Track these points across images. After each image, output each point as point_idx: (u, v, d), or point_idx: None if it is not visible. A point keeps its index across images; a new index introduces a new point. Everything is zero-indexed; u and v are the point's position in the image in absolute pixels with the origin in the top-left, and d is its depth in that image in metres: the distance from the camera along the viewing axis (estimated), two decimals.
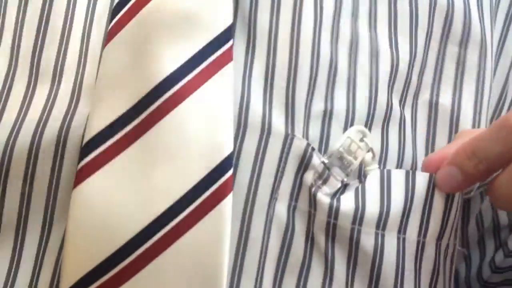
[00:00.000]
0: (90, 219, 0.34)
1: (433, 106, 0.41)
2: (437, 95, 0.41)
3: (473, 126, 0.41)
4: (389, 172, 0.37)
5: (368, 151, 0.37)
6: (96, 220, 0.34)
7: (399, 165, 0.39)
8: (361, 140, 0.37)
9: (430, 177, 0.37)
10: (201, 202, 0.34)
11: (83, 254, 0.33)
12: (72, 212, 0.34)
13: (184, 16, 0.37)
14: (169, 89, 0.35)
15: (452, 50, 0.42)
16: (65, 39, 0.39)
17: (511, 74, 0.44)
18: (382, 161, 0.39)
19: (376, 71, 0.39)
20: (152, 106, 0.35)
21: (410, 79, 0.40)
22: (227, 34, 0.37)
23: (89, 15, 0.40)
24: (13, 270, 0.36)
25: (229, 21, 0.37)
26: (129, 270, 0.33)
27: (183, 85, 0.35)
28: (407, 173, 0.37)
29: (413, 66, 0.40)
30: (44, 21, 0.40)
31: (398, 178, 0.37)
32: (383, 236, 0.36)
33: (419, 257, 0.37)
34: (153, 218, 0.34)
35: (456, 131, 0.41)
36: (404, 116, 0.40)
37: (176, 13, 0.37)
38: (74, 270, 0.34)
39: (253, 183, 0.36)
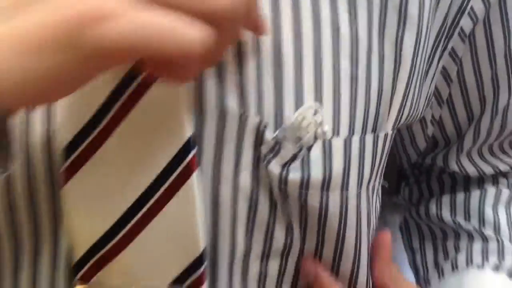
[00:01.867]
0: (85, 206, 0.40)
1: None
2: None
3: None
4: (330, 142, 0.43)
5: (320, 125, 0.43)
6: (91, 205, 0.40)
7: (351, 127, 0.45)
8: (314, 115, 0.43)
9: (361, 139, 0.43)
10: (172, 181, 0.40)
11: (87, 231, 0.40)
12: (67, 206, 0.41)
13: None
14: (127, 86, 0.41)
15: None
16: None
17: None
18: (336, 129, 0.45)
19: (319, 41, 0.45)
20: (116, 104, 0.41)
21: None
22: None
23: None
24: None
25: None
26: (123, 241, 0.40)
27: (140, 80, 0.41)
28: (345, 141, 0.43)
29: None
30: None
31: (338, 145, 0.43)
32: (327, 196, 0.43)
33: (359, 204, 0.44)
34: (132, 201, 0.40)
35: None
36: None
37: None
38: (81, 245, 0.41)
39: (217, 160, 0.42)
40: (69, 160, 0.41)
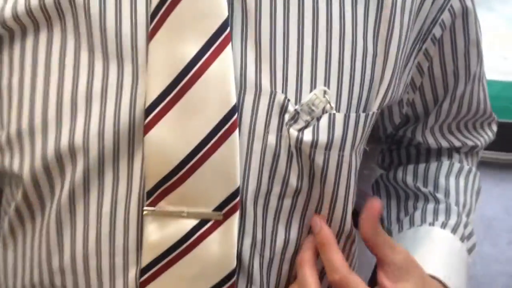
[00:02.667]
0: (158, 151, 0.55)
1: None
2: None
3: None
4: (334, 115, 0.57)
5: (328, 103, 0.58)
6: (162, 149, 0.55)
7: (349, 106, 0.59)
8: (324, 95, 0.58)
9: (356, 115, 0.58)
10: (219, 136, 0.55)
11: (158, 168, 0.55)
12: (147, 148, 0.55)
13: (198, 16, 0.55)
14: (192, 68, 0.55)
15: None
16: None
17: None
18: (338, 106, 0.59)
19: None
20: (183, 81, 0.55)
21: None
22: (225, 24, 0.55)
23: (133, 17, 0.57)
24: None
25: (225, 14, 0.55)
26: (184, 175, 0.55)
27: (201, 64, 0.55)
28: (344, 115, 0.57)
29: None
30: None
31: (339, 118, 0.57)
32: (329, 154, 0.58)
33: (350, 162, 0.59)
34: (193, 146, 0.55)
35: None
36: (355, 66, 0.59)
37: (192, 14, 0.55)
38: (153, 178, 0.56)
39: (252, 123, 0.57)
40: (149, 117, 0.55)
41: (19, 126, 0.58)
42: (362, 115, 0.59)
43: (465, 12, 0.67)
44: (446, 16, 0.66)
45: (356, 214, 0.64)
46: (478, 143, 0.80)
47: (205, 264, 0.57)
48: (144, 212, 0.57)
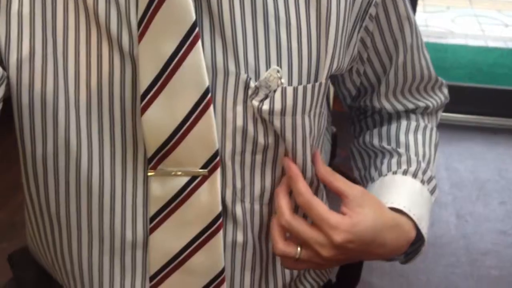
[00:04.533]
0: (153, 126, 0.72)
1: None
2: None
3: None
4: (285, 88, 0.72)
5: (279, 79, 0.73)
6: (156, 125, 0.72)
7: (299, 80, 0.73)
8: (277, 73, 0.73)
9: (304, 87, 0.74)
10: (198, 112, 0.71)
11: (154, 139, 0.73)
12: (144, 125, 0.72)
13: (172, 22, 0.69)
14: (172, 62, 0.70)
15: None
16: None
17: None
18: (289, 81, 0.74)
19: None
20: (166, 72, 0.71)
21: None
22: (194, 26, 0.68)
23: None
24: None
25: (193, 18, 0.68)
26: (175, 144, 0.72)
27: (178, 58, 0.70)
28: (293, 88, 0.72)
29: None
30: None
31: (289, 91, 0.73)
32: (284, 119, 0.74)
33: (303, 123, 0.75)
34: (179, 121, 0.72)
35: None
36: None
37: (168, 20, 0.69)
38: (152, 146, 0.73)
39: (224, 99, 0.73)
40: (144, 101, 0.72)
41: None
42: (309, 86, 0.74)
43: None
44: None
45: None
46: (430, 104, 0.94)
47: (197, 211, 0.75)
48: (149, 174, 0.74)
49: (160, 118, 0.72)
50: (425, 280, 2.03)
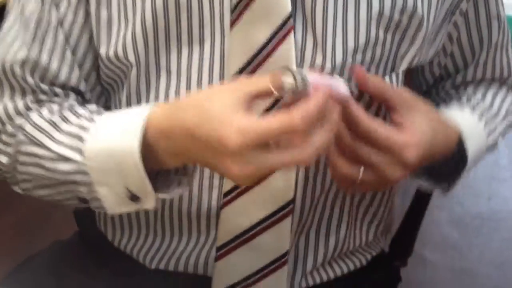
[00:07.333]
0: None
1: None
2: None
3: None
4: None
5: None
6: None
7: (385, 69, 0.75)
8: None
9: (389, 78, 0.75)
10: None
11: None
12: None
13: (267, 12, 0.70)
14: (262, 51, 0.71)
15: None
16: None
17: None
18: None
19: None
20: (255, 60, 0.71)
21: None
22: (288, 18, 0.70)
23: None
24: None
25: (288, 10, 0.70)
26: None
27: (269, 48, 0.70)
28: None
29: None
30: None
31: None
32: None
33: None
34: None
35: None
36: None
37: (263, 11, 0.70)
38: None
39: None
40: None
41: None
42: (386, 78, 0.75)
43: None
44: None
45: None
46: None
47: (271, 192, 0.75)
48: None
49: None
50: (478, 254, 2.02)
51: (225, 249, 0.79)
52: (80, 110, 0.74)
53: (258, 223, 0.77)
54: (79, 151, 0.69)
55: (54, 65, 0.75)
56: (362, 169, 0.69)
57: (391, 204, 0.90)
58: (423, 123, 0.72)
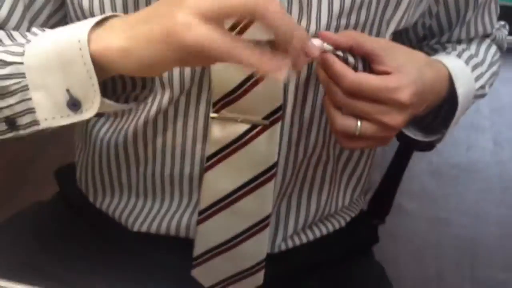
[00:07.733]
0: (220, 74, 0.72)
1: None
2: None
3: None
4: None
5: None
6: (225, 74, 0.71)
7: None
8: None
9: None
10: None
11: (221, 85, 0.72)
12: (213, 74, 0.72)
13: None
14: None
15: None
16: None
17: None
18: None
19: None
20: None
21: None
22: None
23: None
24: None
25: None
26: (242, 93, 0.72)
27: None
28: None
29: None
30: None
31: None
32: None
33: None
34: (248, 73, 0.71)
35: None
36: None
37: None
38: (219, 93, 0.73)
39: None
40: None
41: None
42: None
43: None
44: None
45: None
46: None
47: (253, 157, 0.75)
48: (211, 115, 0.74)
49: (230, 67, 0.70)
50: (455, 205, 2.05)
51: (207, 212, 0.79)
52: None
53: (241, 187, 0.77)
54: (20, 54, 0.63)
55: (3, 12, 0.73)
56: (359, 122, 0.69)
57: (372, 165, 0.91)
58: (408, 63, 0.70)
